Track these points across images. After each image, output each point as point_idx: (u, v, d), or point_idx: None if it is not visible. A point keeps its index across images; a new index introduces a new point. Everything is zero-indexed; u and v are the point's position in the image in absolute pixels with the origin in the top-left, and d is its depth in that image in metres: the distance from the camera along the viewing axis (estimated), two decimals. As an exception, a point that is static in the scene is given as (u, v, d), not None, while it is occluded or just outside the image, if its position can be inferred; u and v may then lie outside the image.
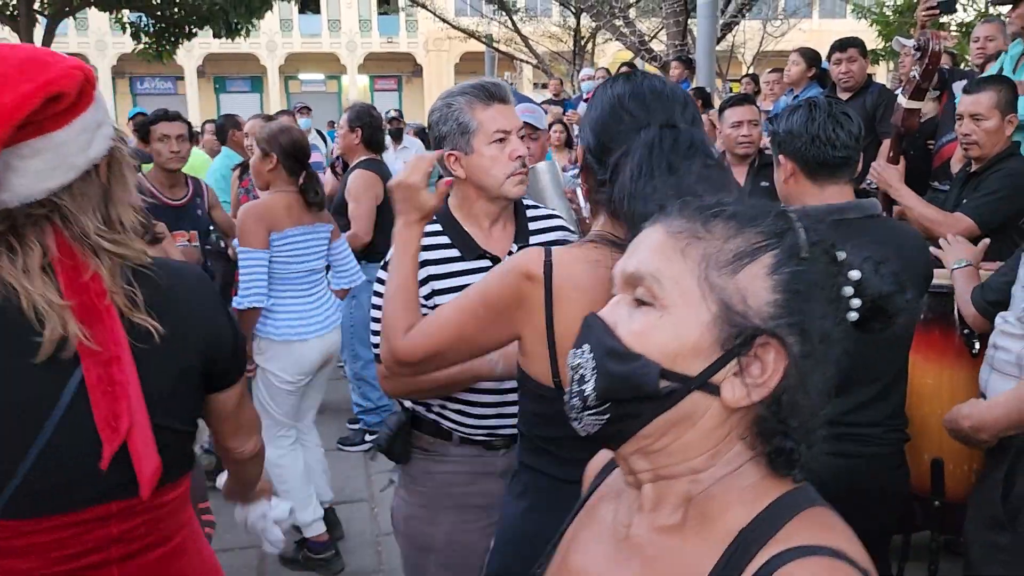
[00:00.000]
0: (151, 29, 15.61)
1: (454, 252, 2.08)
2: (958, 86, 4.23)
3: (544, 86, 18.69)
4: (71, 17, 16.56)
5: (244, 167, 5.76)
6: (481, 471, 2.14)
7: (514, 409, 1.87)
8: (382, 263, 2.11)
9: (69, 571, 1.32)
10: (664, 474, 0.95)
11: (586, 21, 19.44)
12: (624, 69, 9.76)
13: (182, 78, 36.54)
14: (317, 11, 37.73)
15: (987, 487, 2.22)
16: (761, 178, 4.18)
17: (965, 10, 17.30)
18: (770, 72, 7.75)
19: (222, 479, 1.91)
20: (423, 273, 1.97)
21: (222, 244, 5.13)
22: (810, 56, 6.28)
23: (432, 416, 2.15)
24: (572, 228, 2.30)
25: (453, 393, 2.05)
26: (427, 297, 2.03)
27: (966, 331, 2.75)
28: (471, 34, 21.81)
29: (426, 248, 2.02)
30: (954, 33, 14.51)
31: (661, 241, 0.94)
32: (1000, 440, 2.19)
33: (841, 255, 0.94)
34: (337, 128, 5.55)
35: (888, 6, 20.64)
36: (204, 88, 37.51)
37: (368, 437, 5.06)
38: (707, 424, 0.92)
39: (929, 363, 2.78)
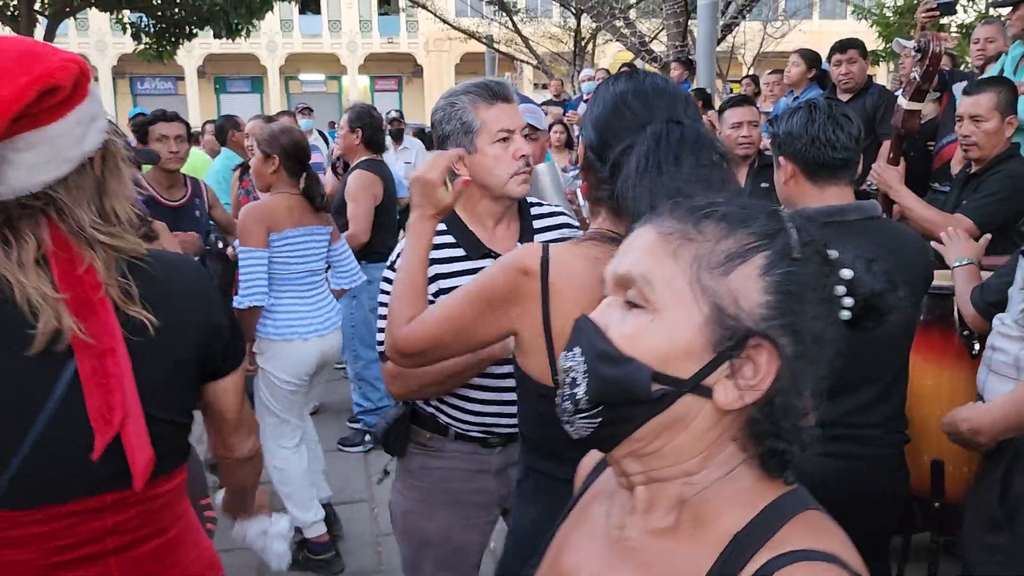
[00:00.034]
0: (151, 29, 15.61)
1: (459, 251, 2.09)
2: (958, 87, 4.24)
3: (544, 87, 18.71)
4: (71, 17, 16.56)
5: (244, 168, 5.75)
6: (477, 468, 2.15)
7: (511, 408, 1.88)
8: (388, 263, 2.12)
9: (65, 562, 1.33)
10: (657, 476, 0.94)
11: (586, 22, 19.44)
12: (625, 70, 9.77)
13: (182, 78, 36.54)
14: (317, 11, 37.74)
15: (984, 488, 2.22)
16: (761, 179, 4.18)
17: (965, 11, 17.30)
18: (770, 73, 7.76)
19: (219, 496, 1.90)
20: (429, 272, 1.98)
21: (220, 244, 5.13)
22: (810, 57, 6.29)
23: (430, 410, 2.16)
24: (577, 225, 2.31)
25: (465, 380, 2.04)
26: (435, 295, 2.04)
27: (966, 332, 2.76)
28: (471, 35, 21.81)
29: (432, 247, 2.03)
30: (954, 34, 14.51)
31: (652, 242, 0.93)
32: (997, 442, 2.19)
33: (833, 254, 0.93)
34: (338, 129, 5.55)
35: (888, 7, 20.63)
36: (204, 88, 37.51)
37: (368, 438, 5.06)
38: (700, 427, 0.91)
39: (929, 364, 2.78)
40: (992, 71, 4.67)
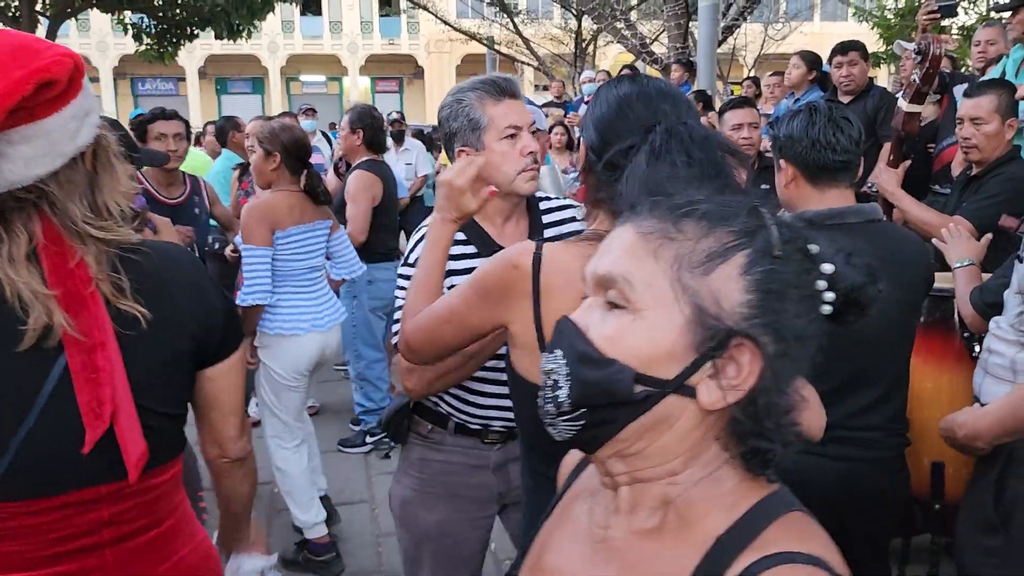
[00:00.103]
0: (153, 30, 15.61)
1: (470, 248, 2.09)
2: (959, 90, 4.24)
3: (546, 88, 18.71)
4: (73, 18, 16.57)
5: (244, 168, 5.76)
6: (475, 463, 2.16)
7: (510, 402, 1.89)
8: (403, 260, 2.13)
9: (62, 553, 1.34)
10: (641, 477, 0.94)
11: (587, 23, 19.44)
12: (625, 71, 9.77)
13: (183, 79, 36.57)
14: (318, 13, 37.76)
15: (979, 490, 2.22)
16: (761, 180, 4.18)
17: (967, 13, 17.31)
18: (771, 75, 7.76)
19: (214, 537, 1.84)
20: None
21: (216, 246, 5.13)
22: (810, 59, 6.29)
23: (431, 401, 2.16)
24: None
25: (472, 369, 2.03)
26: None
27: (967, 334, 2.76)
28: (472, 36, 21.80)
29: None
30: (955, 36, 14.51)
31: (632, 242, 0.92)
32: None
33: (814, 248, 0.92)
34: (339, 129, 5.56)
35: (889, 9, 20.64)
36: (205, 89, 37.54)
37: (369, 439, 5.06)
38: (683, 427, 0.91)
39: (929, 366, 2.78)
40: (993, 73, 4.67)
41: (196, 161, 6.32)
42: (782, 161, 2.25)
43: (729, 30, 13.21)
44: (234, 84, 38.95)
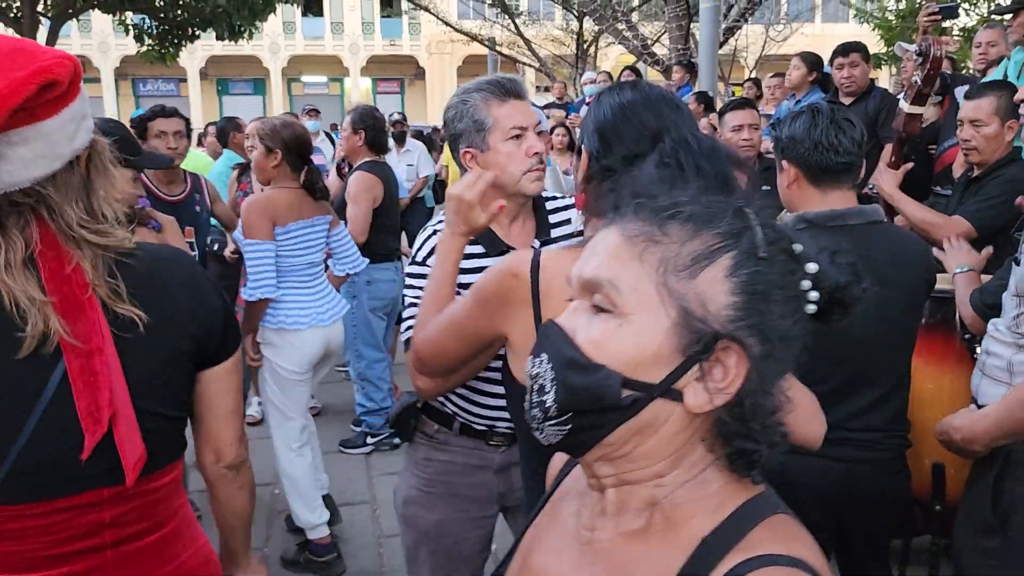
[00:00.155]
0: (154, 31, 15.61)
1: (478, 248, 2.09)
2: (960, 91, 4.24)
3: (547, 89, 18.70)
4: (74, 19, 16.58)
5: (243, 168, 5.76)
6: (478, 464, 2.17)
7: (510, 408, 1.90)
8: (412, 258, 2.14)
9: (64, 554, 1.34)
10: (628, 479, 0.94)
11: (589, 25, 19.46)
12: (627, 72, 9.78)
13: (185, 80, 36.61)
14: (320, 14, 37.79)
15: (976, 492, 2.22)
16: (762, 181, 4.18)
17: (967, 15, 17.31)
18: (772, 77, 7.76)
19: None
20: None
21: (216, 247, 5.14)
22: (811, 60, 6.29)
23: (438, 401, 2.17)
24: None
25: (478, 368, 2.04)
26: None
27: (968, 336, 2.76)
28: (474, 37, 21.81)
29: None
30: (956, 38, 14.51)
31: (617, 245, 0.91)
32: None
33: (798, 248, 0.92)
34: (341, 130, 5.56)
35: (890, 11, 20.66)
36: (207, 90, 37.57)
37: (370, 440, 5.07)
38: (670, 430, 0.91)
39: (930, 368, 2.78)
40: (995, 75, 4.68)
41: (197, 162, 6.32)
42: (784, 162, 2.25)
43: (730, 31, 13.22)
44: (235, 85, 38.98)
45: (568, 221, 2.18)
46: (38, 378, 1.28)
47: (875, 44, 18.06)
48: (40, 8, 14.11)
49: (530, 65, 22.06)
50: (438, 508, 2.20)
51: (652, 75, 14.20)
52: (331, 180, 6.22)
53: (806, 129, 2.19)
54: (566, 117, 9.02)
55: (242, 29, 15.19)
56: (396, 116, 9.29)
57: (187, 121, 4.55)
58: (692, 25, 12.17)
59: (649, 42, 14.46)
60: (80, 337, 1.28)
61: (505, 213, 2.10)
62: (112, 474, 1.33)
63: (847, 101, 5.13)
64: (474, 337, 1.71)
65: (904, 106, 3.69)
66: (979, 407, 2.25)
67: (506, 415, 2.09)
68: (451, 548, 2.23)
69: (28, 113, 1.22)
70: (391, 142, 7.39)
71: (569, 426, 0.91)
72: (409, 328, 2.03)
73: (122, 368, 1.31)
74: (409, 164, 8.13)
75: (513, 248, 2.07)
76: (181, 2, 14.83)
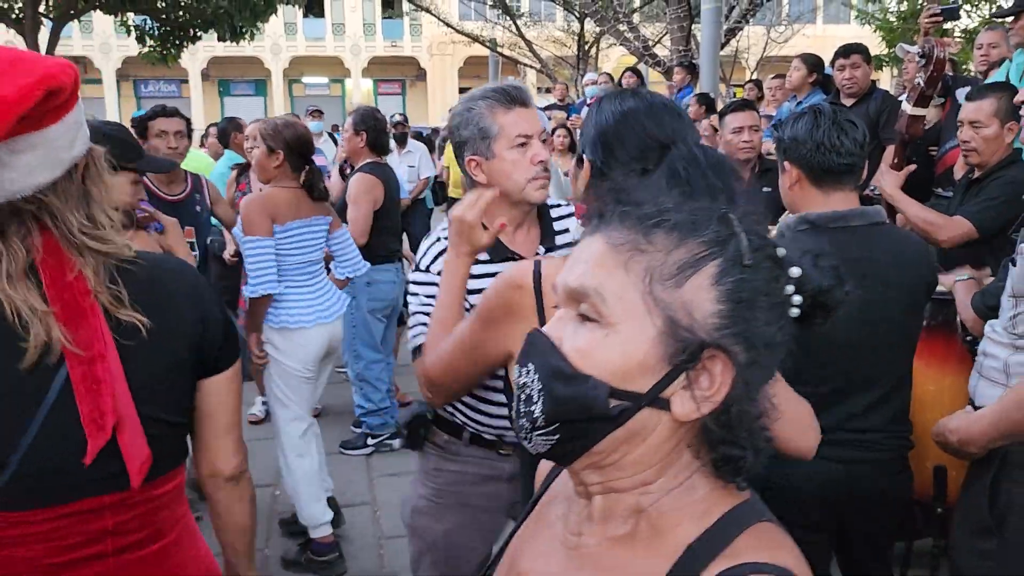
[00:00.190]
0: (156, 32, 15.63)
1: (483, 255, 2.09)
2: (962, 93, 4.23)
3: (548, 91, 18.71)
4: (76, 20, 16.60)
5: (242, 169, 5.76)
6: (489, 474, 2.17)
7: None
8: (415, 266, 2.15)
9: (67, 561, 1.34)
10: (615, 487, 0.94)
11: (590, 26, 19.47)
12: (628, 74, 9.78)
13: (186, 81, 36.64)
14: (321, 15, 37.83)
15: (974, 494, 2.22)
16: (763, 183, 4.19)
17: (969, 16, 17.31)
18: (773, 78, 7.77)
19: None
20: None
21: (215, 246, 5.14)
22: (811, 62, 6.29)
23: (447, 411, 2.17)
24: None
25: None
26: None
27: (969, 337, 2.76)
28: (475, 38, 21.83)
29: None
30: (957, 39, 14.51)
31: (602, 253, 0.91)
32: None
33: (781, 252, 0.92)
34: (342, 132, 5.56)
35: (892, 12, 20.66)
36: (208, 91, 37.60)
37: (370, 441, 5.07)
38: (657, 438, 0.91)
39: (931, 369, 2.78)
40: (997, 76, 4.67)
41: (199, 163, 6.33)
42: (786, 163, 2.25)
43: (732, 33, 13.21)
44: (237, 86, 39.02)
45: (568, 230, 2.19)
46: (39, 384, 1.28)
47: (876, 45, 18.06)
48: (42, 9, 14.12)
49: (531, 66, 22.09)
50: (447, 518, 2.20)
51: (653, 76, 14.21)
52: (333, 181, 6.22)
53: (808, 130, 2.18)
54: (567, 118, 9.03)
55: (243, 30, 15.21)
56: (397, 117, 9.29)
57: (188, 121, 4.55)
58: (693, 26, 12.16)
59: (650, 43, 14.45)
60: (82, 344, 1.28)
61: (510, 220, 2.10)
62: (114, 480, 1.33)
63: (848, 102, 5.13)
64: (483, 356, 1.73)
65: (906, 108, 3.69)
66: (976, 408, 2.25)
67: None
68: (457, 558, 2.22)
69: (34, 120, 1.22)
70: (392, 143, 7.39)
71: (557, 436, 0.91)
72: (416, 337, 2.04)
73: (125, 373, 1.32)
74: (410, 165, 8.13)
75: (517, 255, 2.08)
76: (183, 3, 14.85)
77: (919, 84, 3.59)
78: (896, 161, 3.75)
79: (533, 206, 2.11)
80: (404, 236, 6.23)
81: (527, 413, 0.92)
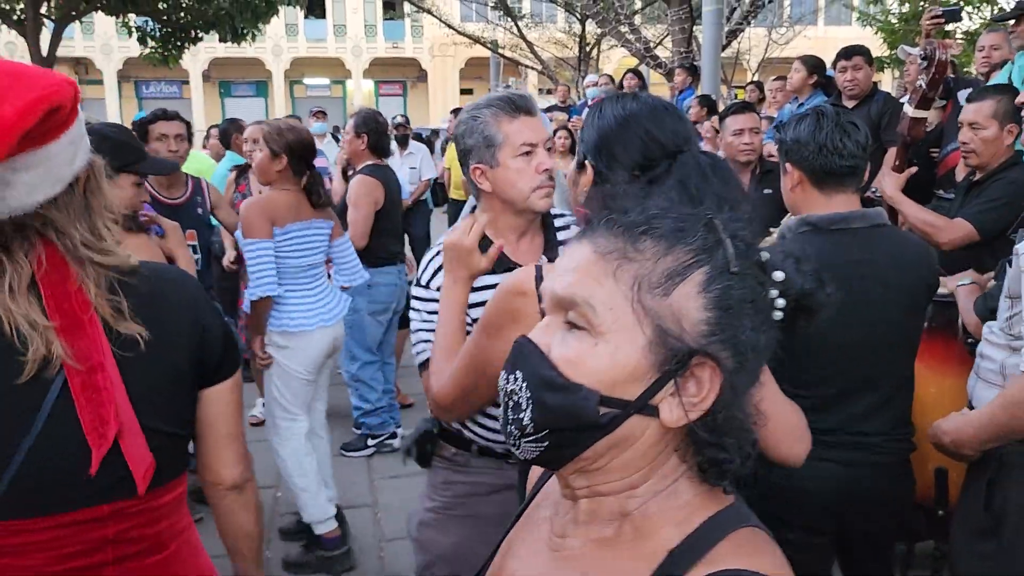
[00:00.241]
0: (157, 33, 15.65)
1: None
2: (963, 95, 4.23)
3: (550, 92, 18.72)
4: (77, 21, 16.62)
5: (241, 170, 5.76)
6: (500, 483, 2.15)
7: None
8: (417, 280, 2.14)
9: (67, 570, 1.34)
10: (602, 491, 0.94)
11: (591, 27, 19.47)
12: (629, 75, 9.78)
13: (187, 82, 36.66)
14: (323, 16, 37.84)
15: (971, 496, 2.22)
16: (764, 185, 4.19)
17: (970, 18, 17.31)
18: (774, 80, 7.76)
19: None
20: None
21: (216, 246, 5.14)
22: (811, 63, 6.29)
23: (456, 426, 2.16)
24: None
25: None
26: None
27: (970, 340, 2.75)
28: (476, 40, 21.84)
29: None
30: (959, 41, 14.51)
31: (591, 261, 0.91)
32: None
33: (765, 256, 0.93)
34: (343, 134, 5.57)
35: (893, 14, 20.65)
36: (209, 92, 37.62)
37: (371, 442, 5.07)
38: (645, 444, 0.91)
39: (932, 372, 2.77)
40: (999, 78, 4.67)
41: (201, 164, 6.34)
42: (788, 165, 2.25)
43: (733, 34, 13.21)
44: (238, 87, 39.04)
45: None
46: (37, 394, 1.28)
47: (878, 47, 18.06)
48: (43, 10, 14.14)
49: (532, 68, 22.09)
50: (454, 531, 2.17)
51: (655, 78, 14.22)
52: (335, 183, 6.23)
53: (810, 132, 2.18)
54: (568, 120, 9.03)
55: (245, 31, 15.24)
56: (399, 119, 9.31)
57: (188, 124, 4.55)
58: (695, 28, 12.17)
59: (652, 45, 14.46)
60: (81, 356, 1.28)
61: (513, 229, 2.10)
62: (115, 490, 1.33)
63: (850, 104, 5.13)
64: (491, 368, 1.70)
65: (908, 110, 3.68)
66: (973, 410, 2.25)
67: None
68: (464, 570, 2.21)
69: (33, 139, 1.22)
70: (394, 145, 7.40)
71: (546, 443, 0.91)
72: (420, 354, 2.04)
73: (124, 384, 1.32)
74: (412, 167, 8.13)
75: (519, 266, 2.07)
76: (184, 4, 14.89)
77: (921, 86, 3.59)
78: (897, 163, 3.75)
79: (537, 215, 2.11)
80: (405, 237, 6.24)
81: (515, 420, 0.92)
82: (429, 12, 21.72)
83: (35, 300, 1.28)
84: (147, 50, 15.97)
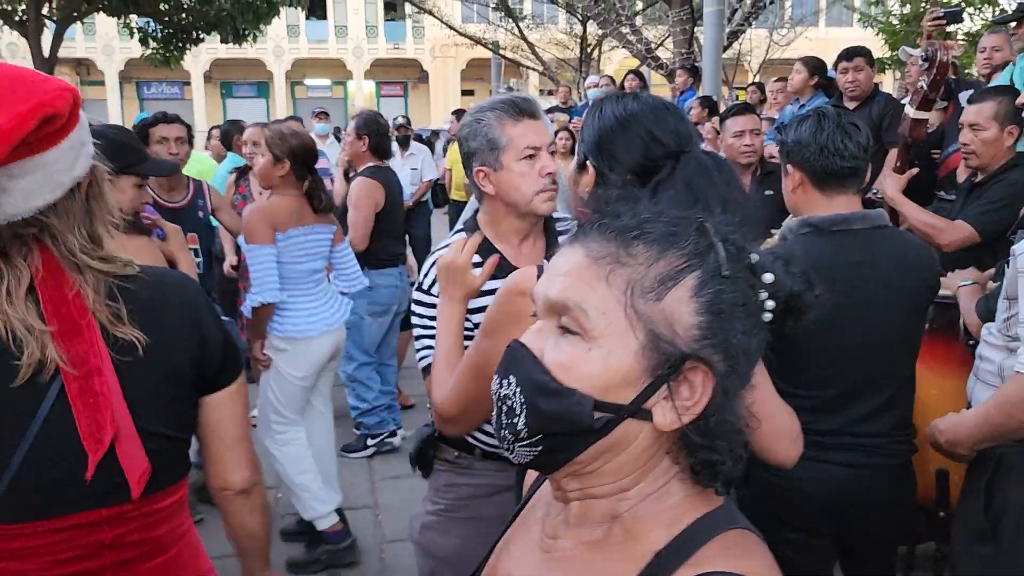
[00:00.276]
0: (159, 34, 15.67)
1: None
2: (964, 96, 4.23)
3: (551, 93, 18.72)
4: (79, 22, 16.64)
5: (240, 172, 5.76)
6: (503, 484, 2.14)
7: None
8: (418, 285, 2.13)
9: (65, 574, 1.34)
10: (594, 493, 0.94)
11: (592, 28, 19.47)
12: (631, 76, 9.78)
13: (189, 83, 36.67)
14: (324, 17, 37.86)
15: (970, 498, 2.22)
16: (765, 186, 4.18)
17: (972, 20, 17.30)
18: (775, 81, 7.76)
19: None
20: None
21: (218, 247, 5.14)
22: (813, 65, 6.29)
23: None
24: None
25: None
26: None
27: (972, 341, 2.75)
28: (478, 41, 21.84)
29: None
30: (960, 42, 14.50)
31: (583, 266, 0.91)
32: (980, 451, 2.20)
33: (754, 258, 0.93)
34: (344, 136, 5.57)
35: (895, 15, 20.64)
36: (211, 93, 37.64)
37: (370, 441, 5.08)
38: (638, 447, 0.91)
39: (933, 373, 2.77)
40: (1001, 80, 4.67)
41: (202, 165, 6.35)
42: (790, 166, 2.25)
43: (734, 35, 13.21)
44: (239, 88, 39.05)
45: None
46: (34, 399, 1.28)
47: (879, 48, 18.04)
48: (45, 11, 14.15)
49: (534, 69, 22.09)
50: (456, 533, 2.16)
51: (656, 79, 14.22)
52: (337, 183, 6.23)
53: (812, 133, 2.18)
54: (570, 121, 9.03)
55: (246, 32, 15.25)
56: (400, 120, 9.31)
57: (189, 127, 4.54)
58: (696, 29, 12.17)
59: (653, 46, 14.47)
60: (77, 361, 1.29)
61: (516, 232, 2.10)
62: (112, 494, 1.33)
63: (851, 105, 5.13)
64: (494, 371, 1.71)
65: (910, 111, 3.68)
66: (968, 409, 2.26)
67: None
68: (469, 572, 2.19)
69: (29, 146, 1.23)
70: (395, 146, 7.40)
71: (540, 447, 0.91)
72: (423, 360, 2.04)
73: (122, 388, 1.32)
74: (413, 168, 8.14)
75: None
76: (185, 5, 14.90)
77: (922, 87, 3.59)
78: (898, 164, 3.75)
79: (540, 218, 2.11)
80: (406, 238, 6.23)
81: (509, 425, 0.92)
82: (430, 13, 21.72)
83: (33, 305, 1.29)
84: (149, 51, 15.99)
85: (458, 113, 9.88)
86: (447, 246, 2.13)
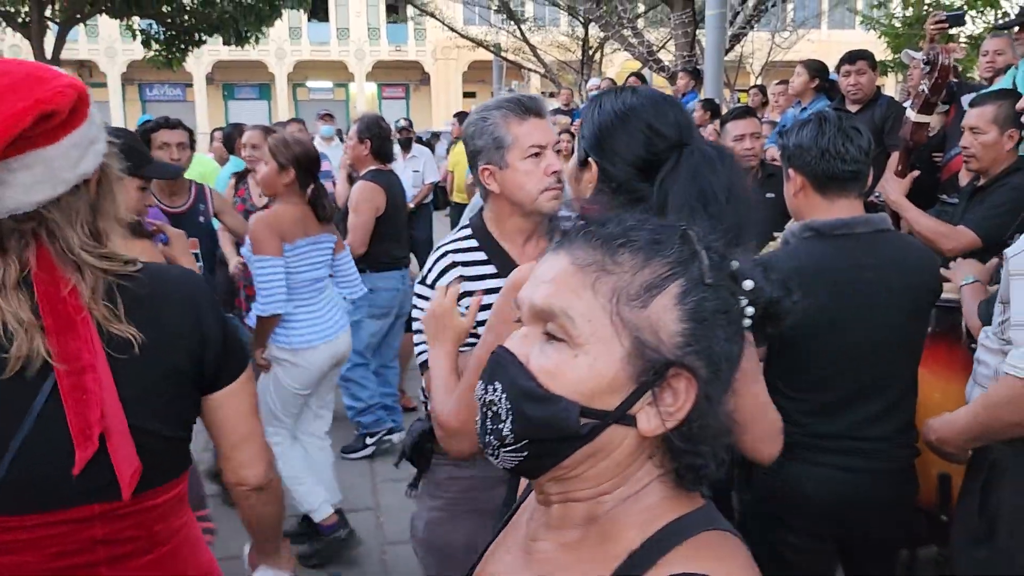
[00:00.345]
0: (161, 36, 15.66)
1: (490, 268, 2.09)
2: (967, 99, 4.23)
3: (552, 95, 18.74)
4: (82, 24, 16.65)
5: (240, 175, 5.75)
6: (504, 476, 2.15)
7: None
8: (421, 279, 2.13)
9: (58, 569, 1.35)
10: (575, 497, 0.95)
11: (594, 31, 19.47)
12: (632, 79, 9.78)
13: (191, 85, 36.69)
14: (326, 19, 37.87)
15: (967, 501, 2.22)
16: (766, 189, 4.18)
17: (974, 23, 17.29)
18: (777, 84, 7.77)
19: (247, 549, 1.85)
20: (460, 288, 1.99)
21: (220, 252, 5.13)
22: (813, 68, 6.29)
23: None
24: None
25: None
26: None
27: (974, 344, 2.75)
28: (479, 43, 21.87)
29: (464, 264, 2.07)
30: (963, 45, 14.49)
31: (569, 273, 0.92)
32: (976, 453, 2.19)
33: (735, 264, 0.94)
34: (346, 139, 5.58)
35: (897, 18, 20.64)
36: (213, 95, 37.66)
37: (369, 440, 5.08)
38: (623, 452, 0.92)
39: (936, 377, 2.77)
40: (1003, 83, 4.66)
41: (204, 167, 6.35)
42: (791, 170, 2.25)
43: (736, 38, 13.22)
44: (241, 90, 39.08)
45: None
46: (26, 394, 1.29)
47: (881, 51, 18.05)
48: (48, 13, 14.16)
49: (535, 71, 22.11)
50: (465, 526, 2.14)
51: (658, 82, 14.21)
52: (339, 185, 6.23)
53: (813, 137, 2.18)
54: (571, 123, 9.04)
55: (248, 34, 15.24)
56: (402, 122, 9.32)
57: (191, 132, 4.54)
58: (698, 32, 12.18)
59: (655, 48, 14.47)
60: (70, 356, 1.29)
61: (520, 231, 2.10)
62: (105, 491, 1.33)
63: (853, 109, 5.13)
64: None
65: (911, 115, 3.68)
66: (959, 409, 2.25)
67: None
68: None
69: (27, 141, 1.23)
70: (397, 148, 7.40)
71: (525, 453, 0.92)
72: (422, 354, 2.04)
73: (116, 386, 1.32)
74: (415, 170, 8.15)
75: None
76: (188, 8, 14.90)
77: (924, 91, 3.59)
78: (900, 168, 3.74)
79: (544, 217, 2.11)
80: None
81: (495, 431, 0.93)
82: (432, 15, 21.76)
83: (27, 299, 1.29)
84: (151, 53, 15.98)
85: (460, 115, 9.89)
86: (453, 241, 2.13)
